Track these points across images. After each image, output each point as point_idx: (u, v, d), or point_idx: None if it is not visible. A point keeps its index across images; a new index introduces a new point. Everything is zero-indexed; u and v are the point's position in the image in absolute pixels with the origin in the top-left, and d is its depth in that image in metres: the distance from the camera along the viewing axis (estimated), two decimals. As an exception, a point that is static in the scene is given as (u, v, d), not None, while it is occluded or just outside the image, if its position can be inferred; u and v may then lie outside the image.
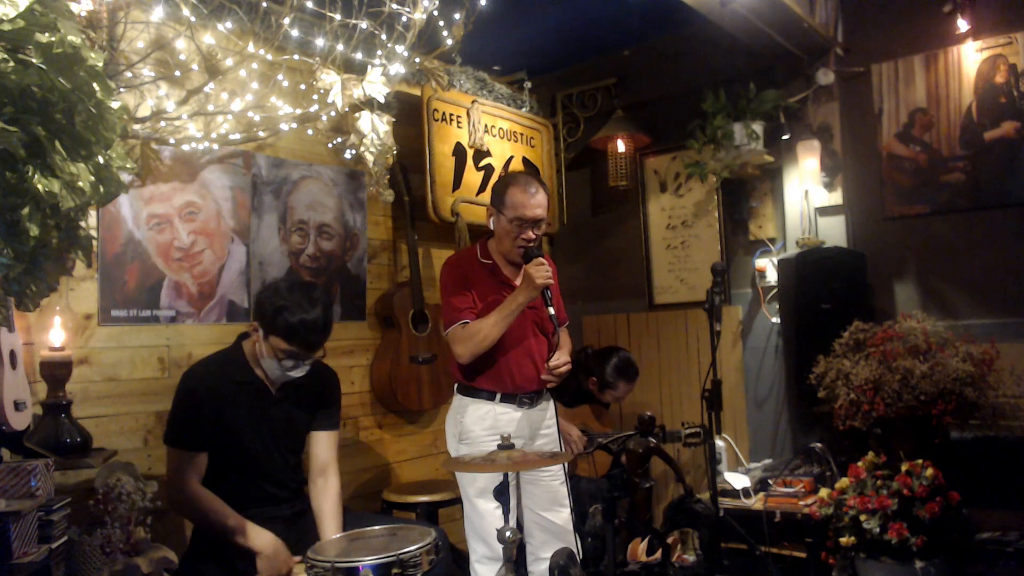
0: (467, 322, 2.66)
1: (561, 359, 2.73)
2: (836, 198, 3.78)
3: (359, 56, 2.74)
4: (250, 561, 2.32)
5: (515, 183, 2.72)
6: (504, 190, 2.72)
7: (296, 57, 2.74)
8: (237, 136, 2.74)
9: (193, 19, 2.41)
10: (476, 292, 2.72)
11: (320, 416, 2.60)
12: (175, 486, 2.35)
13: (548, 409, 2.88)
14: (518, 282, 2.71)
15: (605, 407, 3.92)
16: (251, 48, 2.47)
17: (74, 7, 2.07)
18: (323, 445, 2.59)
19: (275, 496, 2.53)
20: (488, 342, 2.63)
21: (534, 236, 2.68)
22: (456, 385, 2.82)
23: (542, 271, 2.58)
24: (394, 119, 3.22)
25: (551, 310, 2.65)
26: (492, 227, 2.77)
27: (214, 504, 2.33)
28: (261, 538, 2.31)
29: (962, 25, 3.46)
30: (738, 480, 3.45)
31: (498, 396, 2.73)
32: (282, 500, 2.54)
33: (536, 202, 2.67)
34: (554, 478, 2.77)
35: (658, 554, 2.63)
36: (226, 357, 2.51)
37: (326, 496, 2.53)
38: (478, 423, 2.72)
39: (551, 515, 2.75)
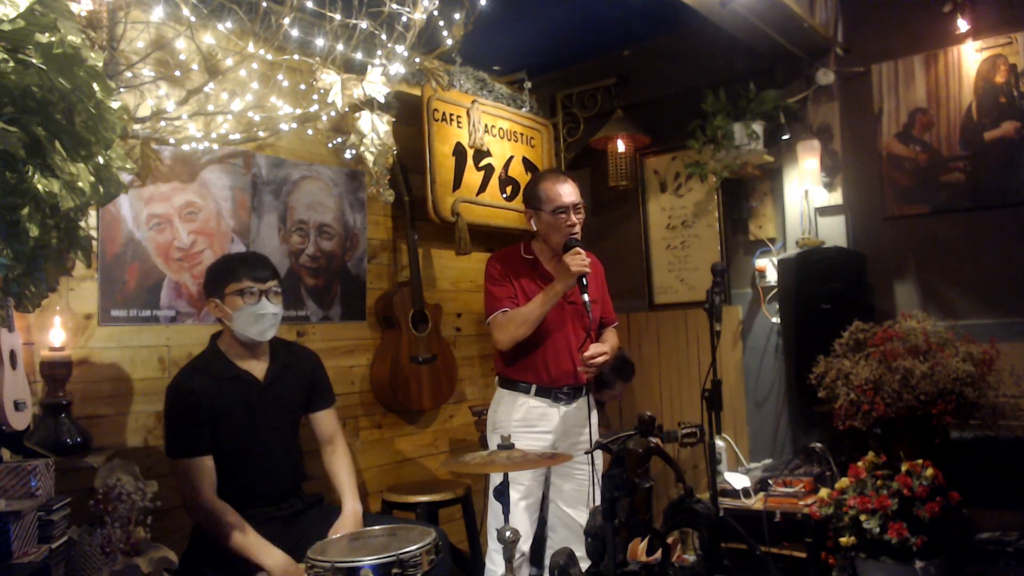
0: (507, 310, 2.77)
1: (597, 349, 2.73)
2: (836, 198, 3.78)
3: (359, 56, 2.74)
4: (250, 561, 2.32)
5: (544, 179, 2.87)
6: (536, 188, 2.85)
7: (296, 57, 2.74)
8: (237, 136, 2.74)
9: (193, 19, 2.41)
10: (518, 285, 2.82)
11: (314, 397, 2.72)
12: (190, 499, 2.37)
13: (586, 409, 2.87)
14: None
15: (600, 406, 3.91)
16: (251, 48, 2.47)
17: (74, 7, 2.07)
18: (324, 421, 2.74)
19: (273, 494, 2.54)
20: (525, 328, 2.72)
21: (577, 222, 2.79)
22: (497, 378, 2.91)
23: (578, 259, 2.67)
24: (394, 119, 3.21)
25: (586, 297, 2.69)
26: (534, 228, 2.88)
27: (230, 518, 2.35)
28: (273, 556, 2.32)
29: (962, 25, 3.46)
30: (738, 480, 3.45)
31: (533, 389, 2.79)
32: (280, 499, 2.55)
33: (569, 187, 2.81)
34: (586, 477, 2.80)
35: (658, 554, 2.62)
36: (206, 358, 2.54)
37: (336, 458, 2.71)
38: (510, 415, 2.79)
39: (575, 513, 2.78)
